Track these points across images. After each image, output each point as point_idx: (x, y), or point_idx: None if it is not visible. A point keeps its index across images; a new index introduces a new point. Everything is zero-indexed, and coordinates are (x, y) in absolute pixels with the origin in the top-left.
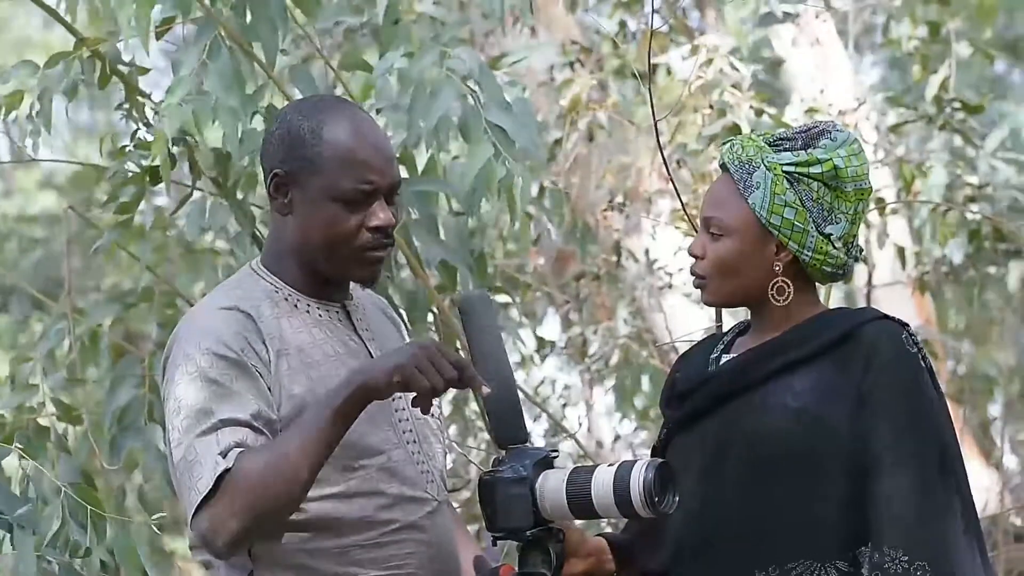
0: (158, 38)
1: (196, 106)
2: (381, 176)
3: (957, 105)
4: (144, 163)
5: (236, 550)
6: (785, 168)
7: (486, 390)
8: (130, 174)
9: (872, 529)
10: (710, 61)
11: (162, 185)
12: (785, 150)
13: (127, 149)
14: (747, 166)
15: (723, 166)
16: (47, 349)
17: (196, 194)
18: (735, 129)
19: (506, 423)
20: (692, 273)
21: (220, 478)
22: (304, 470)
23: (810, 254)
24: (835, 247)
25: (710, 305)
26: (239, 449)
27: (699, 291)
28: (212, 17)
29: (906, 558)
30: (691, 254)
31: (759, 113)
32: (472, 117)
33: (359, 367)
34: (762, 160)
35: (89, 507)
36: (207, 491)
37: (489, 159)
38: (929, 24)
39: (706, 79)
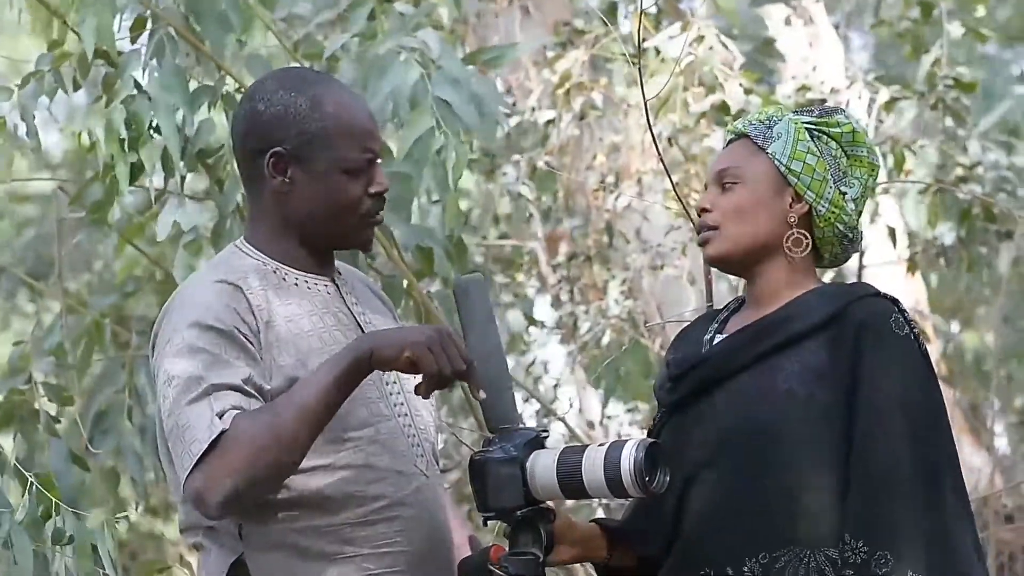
0: (133, 41)
1: (135, 107)
2: (376, 142)
3: (950, 83)
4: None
5: (227, 511)
6: (806, 124)
7: (482, 395)
8: (100, 168)
9: (844, 517)
10: (700, 39)
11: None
12: (803, 114)
13: (95, 145)
14: (766, 122)
15: (733, 139)
16: (53, 343)
17: (174, 188)
18: (723, 107)
19: (498, 410)
20: (699, 229)
21: (216, 440)
22: (302, 434)
23: (827, 205)
24: (849, 206)
25: (715, 260)
26: (235, 411)
27: (704, 247)
28: (160, 17)
29: (866, 548)
30: (699, 209)
31: (748, 92)
32: (420, 92)
33: (368, 334)
34: (783, 115)
35: (54, 499)
36: (202, 451)
37: (429, 131)
38: (921, 4)
39: (696, 56)
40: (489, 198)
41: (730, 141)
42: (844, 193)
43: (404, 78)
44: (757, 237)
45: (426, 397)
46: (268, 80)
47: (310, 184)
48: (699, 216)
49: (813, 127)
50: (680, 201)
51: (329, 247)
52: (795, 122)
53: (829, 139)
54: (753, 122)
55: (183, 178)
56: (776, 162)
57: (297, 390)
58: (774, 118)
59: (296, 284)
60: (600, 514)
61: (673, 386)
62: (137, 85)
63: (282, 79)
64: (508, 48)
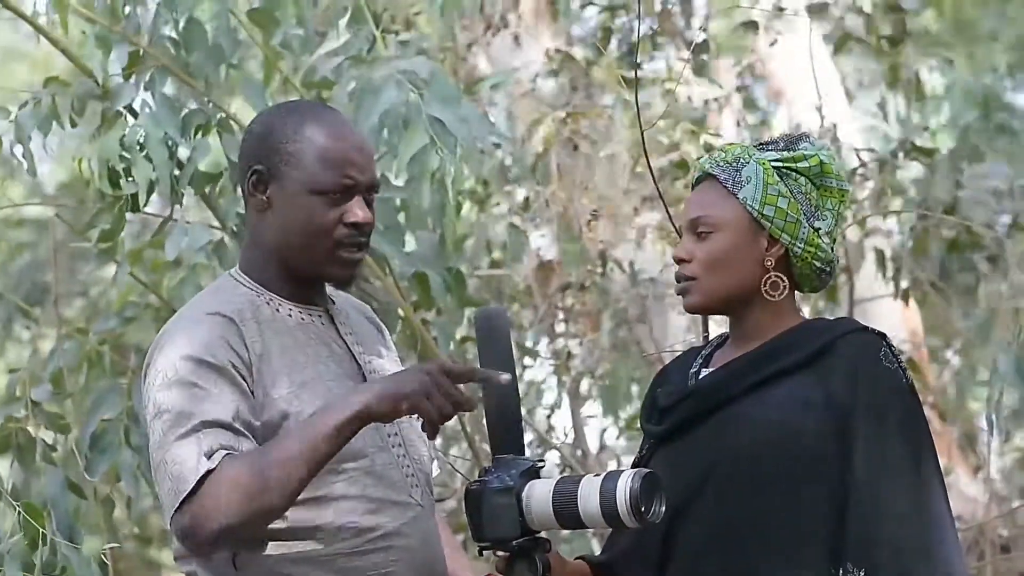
0: (126, 77)
1: (129, 139)
2: (360, 172)
3: (912, 147)
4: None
5: (216, 549)
6: (774, 163)
7: (481, 395)
8: (107, 198)
9: (843, 545)
10: (669, 92)
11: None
12: (769, 150)
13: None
14: (734, 164)
15: (702, 177)
16: (53, 368)
17: (178, 213)
18: (681, 164)
19: (504, 439)
20: (678, 279)
21: (203, 479)
22: (291, 481)
23: (802, 246)
24: (824, 241)
25: (694, 310)
26: (224, 452)
27: (683, 296)
28: (151, 55)
29: None
30: (676, 259)
31: (708, 148)
32: (414, 112)
33: (364, 387)
34: (750, 156)
35: (41, 529)
36: (189, 490)
37: (424, 147)
38: (888, 39)
39: (667, 110)
40: (482, 228)
41: (699, 180)
42: (818, 229)
43: (397, 99)
44: (736, 285)
45: (432, 438)
46: (271, 106)
47: (284, 204)
48: (677, 265)
49: (782, 165)
50: (676, 230)
51: (308, 277)
52: (762, 163)
53: (798, 175)
54: (720, 163)
55: (181, 195)
56: (748, 208)
57: (288, 437)
58: (741, 159)
59: (290, 315)
60: (595, 544)
61: (661, 418)
62: (132, 112)
63: (284, 105)
64: (505, 74)
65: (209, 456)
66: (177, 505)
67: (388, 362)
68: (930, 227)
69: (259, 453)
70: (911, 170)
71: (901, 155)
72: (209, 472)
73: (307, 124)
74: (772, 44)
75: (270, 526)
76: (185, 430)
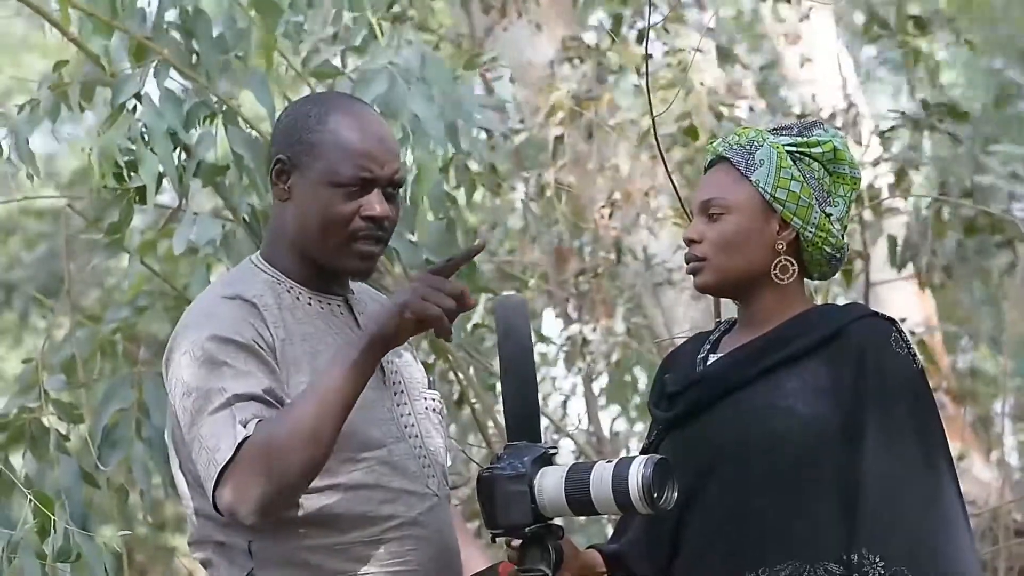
0: (133, 69)
1: (133, 133)
2: (380, 167)
3: (945, 108)
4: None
5: (263, 518)
6: (787, 147)
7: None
8: (117, 191)
9: (856, 532)
10: (680, 62)
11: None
12: (783, 135)
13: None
14: (748, 147)
15: (715, 160)
16: (65, 355)
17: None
18: (691, 130)
19: (521, 427)
20: (688, 260)
21: (239, 449)
22: (325, 428)
23: (813, 230)
24: (835, 227)
25: (705, 289)
26: (258, 419)
27: (693, 276)
28: (153, 49)
29: (882, 563)
30: (687, 239)
31: (719, 116)
32: (400, 107)
33: (365, 323)
34: (764, 140)
35: (52, 516)
36: (226, 461)
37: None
38: (913, 19)
39: (675, 78)
40: (497, 213)
41: (712, 163)
42: (829, 215)
43: (388, 93)
44: (746, 267)
45: (448, 338)
46: (303, 97)
47: (303, 195)
48: (687, 246)
49: (795, 150)
50: (687, 215)
51: (325, 267)
52: (776, 147)
53: (811, 160)
54: (734, 146)
55: (187, 187)
56: (761, 190)
57: (313, 389)
58: (755, 142)
59: (309, 303)
60: (611, 530)
61: (669, 404)
62: (138, 98)
63: (313, 96)
64: (498, 52)
65: (245, 425)
66: (216, 478)
67: (405, 351)
68: (947, 208)
69: (288, 410)
70: (929, 148)
71: (926, 116)
72: (246, 440)
73: (331, 115)
74: (803, 20)
75: (287, 514)
76: (217, 405)
